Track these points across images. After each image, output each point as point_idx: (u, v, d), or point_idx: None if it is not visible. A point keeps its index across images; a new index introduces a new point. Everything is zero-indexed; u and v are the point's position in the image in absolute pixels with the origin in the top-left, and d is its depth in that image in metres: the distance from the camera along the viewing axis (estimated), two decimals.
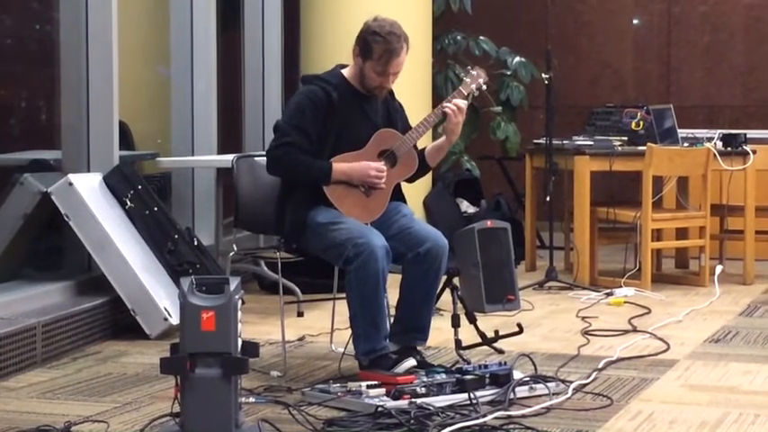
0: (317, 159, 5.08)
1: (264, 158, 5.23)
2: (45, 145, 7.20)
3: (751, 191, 7.92)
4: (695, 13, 10.57)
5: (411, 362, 4.91)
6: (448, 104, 5.21)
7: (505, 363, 5.04)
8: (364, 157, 5.13)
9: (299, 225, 5.10)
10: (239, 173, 5.55)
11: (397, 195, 5.29)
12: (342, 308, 5.65)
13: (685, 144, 7.91)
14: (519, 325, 5.63)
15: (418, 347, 5.18)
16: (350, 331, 5.12)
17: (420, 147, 5.35)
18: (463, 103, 5.23)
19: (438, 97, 9.04)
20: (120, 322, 6.08)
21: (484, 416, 4.45)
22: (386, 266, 4.93)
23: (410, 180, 5.35)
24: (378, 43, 5.08)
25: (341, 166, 5.09)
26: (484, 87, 5.45)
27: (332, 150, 5.11)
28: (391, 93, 5.34)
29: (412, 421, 4.33)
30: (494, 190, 9.42)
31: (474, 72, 5.42)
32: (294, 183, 5.14)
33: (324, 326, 6.02)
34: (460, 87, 5.36)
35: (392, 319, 5.22)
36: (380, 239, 4.93)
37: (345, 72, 5.24)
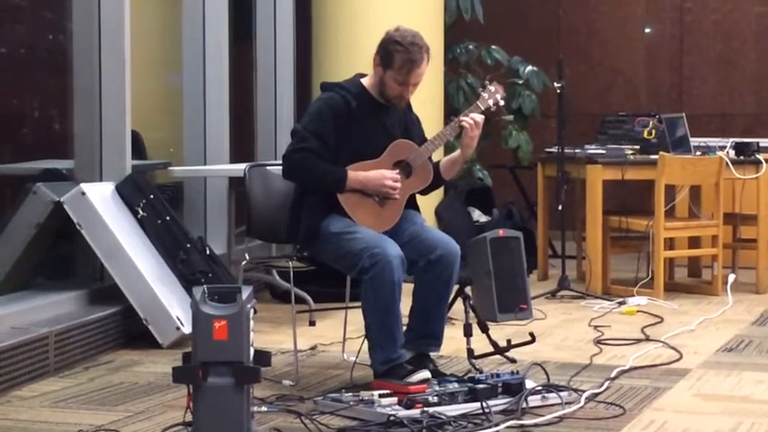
0: (334, 166, 5.09)
1: (277, 166, 5.24)
2: (58, 154, 7.20)
3: (764, 199, 7.90)
4: (707, 22, 10.56)
5: (425, 374, 4.90)
6: (465, 118, 5.21)
7: (518, 372, 5.04)
8: (379, 167, 5.13)
9: (312, 233, 5.10)
10: (251, 182, 5.56)
11: (411, 204, 5.29)
12: (354, 317, 5.66)
13: (698, 153, 7.90)
14: (531, 334, 5.62)
15: (432, 354, 5.18)
16: (362, 340, 5.13)
17: (434, 160, 5.35)
18: (480, 118, 5.23)
19: (450, 106, 9.06)
20: (132, 331, 6.09)
21: (496, 425, 4.45)
22: (401, 276, 4.92)
23: (424, 192, 5.35)
24: (399, 53, 5.08)
25: (356, 174, 5.09)
26: (501, 103, 5.45)
27: (348, 159, 5.12)
28: (409, 105, 5.35)
29: (424, 430, 4.33)
30: (506, 199, 9.42)
31: (492, 87, 5.42)
32: (309, 189, 5.15)
33: (336, 335, 6.01)
34: (478, 102, 5.36)
35: (405, 327, 5.22)
36: (396, 249, 4.92)
37: (365, 81, 5.24)
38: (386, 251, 4.88)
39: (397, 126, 5.25)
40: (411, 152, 5.21)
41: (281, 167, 5.20)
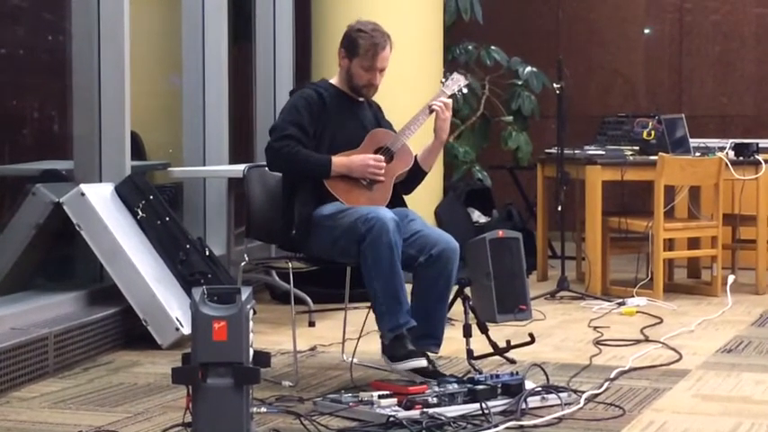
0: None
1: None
2: (57, 155, 7.21)
3: (763, 200, 7.90)
4: (707, 23, 10.57)
5: (419, 362, 4.91)
6: (434, 102, 5.31)
7: (517, 373, 5.04)
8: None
9: (306, 222, 5.12)
10: (251, 183, 5.56)
11: (399, 201, 5.32)
12: (353, 317, 5.66)
13: (697, 154, 7.90)
14: (531, 335, 5.62)
15: (431, 355, 5.18)
16: (361, 341, 5.13)
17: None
18: (448, 101, 5.35)
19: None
20: (131, 332, 6.09)
21: (496, 426, 4.45)
22: (398, 240, 4.95)
23: (408, 189, 5.39)
24: (363, 39, 5.25)
25: (340, 158, 5.19)
26: (465, 90, 5.55)
27: (328, 152, 5.20)
28: (379, 108, 5.43)
29: (423, 431, 4.33)
30: (505, 200, 9.41)
31: (453, 76, 5.54)
32: (294, 176, 5.20)
33: (335, 336, 6.01)
34: (443, 89, 5.46)
35: None
36: (389, 213, 4.99)
37: (332, 81, 5.39)
38: (379, 214, 4.94)
39: (368, 120, 5.38)
40: (389, 138, 5.32)
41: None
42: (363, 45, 5.23)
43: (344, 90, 5.32)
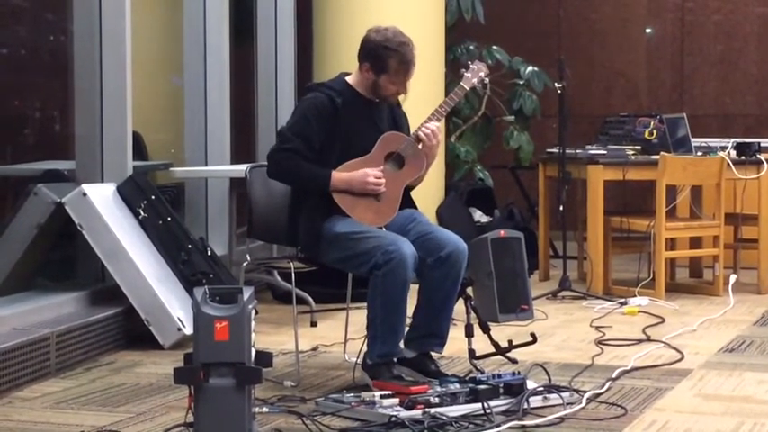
0: (321, 166, 5.09)
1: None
2: (59, 155, 7.21)
3: (765, 200, 7.89)
4: (708, 22, 10.57)
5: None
6: (422, 129, 5.18)
7: (519, 372, 5.04)
8: (371, 163, 5.14)
9: (314, 235, 5.09)
10: (252, 183, 5.56)
11: (408, 202, 5.28)
12: (355, 317, 5.66)
13: (699, 153, 7.89)
14: (532, 334, 5.61)
15: (435, 354, 5.18)
16: (363, 341, 5.12)
17: None
18: (435, 126, 5.19)
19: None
20: (133, 332, 6.09)
21: (498, 425, 4.44)
22: (412, 275, 4.92)
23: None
24: (392, 57, 5.10)
25: (340, 175, 5.09)
26: (486, 80, 5.47)
27: (339, 156, 5.12)
28: (397, 101, 5.35)
29: (425, 431, 4.33)
30: (507, 199, 9.42)
31: (474, 66, 5.44)
32: (293, 187, 5.17)
33: (337, 335, 6.01)
34: (462, 83, 5.39)
35: (408, 327, 5.21)
36: (411, 248, 4.91)
37: (349, 79, 5.25)
38: (401, 249, 4.88)
39: (385, 121, 5.26)
40: (401, 143, 5.21)
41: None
42: (393, 64, 5.09)
43: (362, 92, 5.20)
